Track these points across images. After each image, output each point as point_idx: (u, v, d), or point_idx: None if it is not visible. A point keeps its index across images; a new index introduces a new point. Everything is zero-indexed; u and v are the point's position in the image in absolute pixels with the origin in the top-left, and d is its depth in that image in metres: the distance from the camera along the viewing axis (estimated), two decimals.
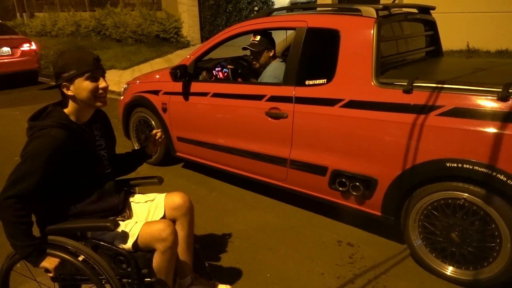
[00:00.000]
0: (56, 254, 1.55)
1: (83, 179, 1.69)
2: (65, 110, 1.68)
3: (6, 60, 8.23)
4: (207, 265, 2.06)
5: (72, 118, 1.68)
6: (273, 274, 2.36)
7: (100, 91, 1.68)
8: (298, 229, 2.85)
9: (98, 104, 1.71)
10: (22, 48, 8.43)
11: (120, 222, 1.67)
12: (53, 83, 1.71)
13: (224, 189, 3.52)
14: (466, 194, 2.10)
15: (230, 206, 3.23)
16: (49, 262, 1.57)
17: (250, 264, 2.44)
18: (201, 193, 3.46)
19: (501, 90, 1.99)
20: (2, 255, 1.71)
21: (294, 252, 2.57)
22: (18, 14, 19.58)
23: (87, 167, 1.70)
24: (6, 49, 8.23)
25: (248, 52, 3.51)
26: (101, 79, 1.69)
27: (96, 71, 1.66)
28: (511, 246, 2.01)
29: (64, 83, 1.63)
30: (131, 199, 1.93)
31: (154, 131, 2.03)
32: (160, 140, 2.04)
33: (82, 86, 1.63)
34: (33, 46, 8.64)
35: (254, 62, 3.43)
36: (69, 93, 1.64)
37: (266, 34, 3.32)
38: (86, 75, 1.63)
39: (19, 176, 1.52)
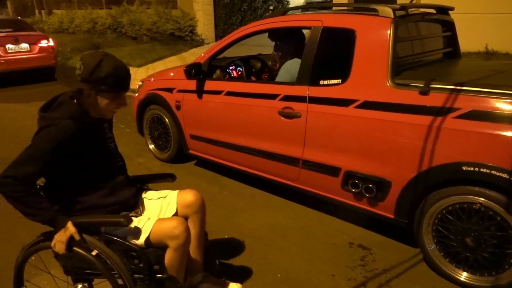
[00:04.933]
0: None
1: (95, 172, 1.70)
2: (78, 103, 1.69)
3: (24, 56, 8.37)
4: (217, 263, 2.06)
5: (84, 109, 1.69)
6: (283, 274, 2.35)
7: (117, 107, 1.71)
8: (309, 229, 2.83)
9: (108, 115, 1.75)
10: (40, 45, 8.57)
11: (133, 218, 1.68)
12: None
13: (235, 188, 3.53)
14: (482, 199, 2.06)
15: (241, 205, 3.23)
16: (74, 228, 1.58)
17: (260, 263, 2.44)
18: (213, 191, 3.47)
19: None
20: (17, 247, 1.74)
21: (304, 252, 2.56)
22: (36, 11, 19.92)
23: (98, 159, 1.71)
24: (24, 45, 8.38)
25: (262, 51, 3.50)
26: (123, 97, 1.71)
27: (123, 92, 1.69)
28: None
29: (91, 90, 1.64)
30: (143, 195, 1.94)
31: None
32: None
33: (103, 99, 1.66)
34: (51, 43, 8.78)
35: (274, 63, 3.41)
36: (91, 99, 1.66)
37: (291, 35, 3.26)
38: (114, 94, 1.66)
39: (23, 159, 1.53)
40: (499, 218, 2.03)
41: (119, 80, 1.63)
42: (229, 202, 3.28)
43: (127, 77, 1.67)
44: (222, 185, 3.60)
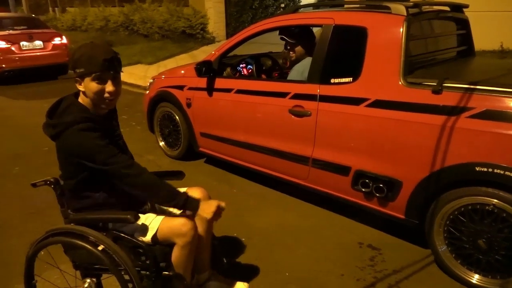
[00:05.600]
0: (77, 243, 1.57)
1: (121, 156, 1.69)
2: (82, 102, 1.68)
3: (38, 53, 8.50)
4: (225, 261, 2.05)
5: (90, 109, 1.68)
6: (291, 273, 2.33)
7: (106, 95, 1.64)
8: (318, 229, 2.81)
9: (103, 106, 1.68)
10: (53, 42, 8.68)
11: (140, 215, 1.69)
12: None
13: (245, 186, 3.52)
14: (495, 200, 2.01)
15: (251, 203, 3.22)
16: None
17: (268, 262, 2.43)
18: (222, 189, 3.47)
19: None
20: (28, 242, 1.76)
21: (313, 252, 2.54)
22: (50, 9, 20.20)
23: None
24: (38, 43, 8.50)
25: (273, 49, 3.48)
26: (110, 82, 1.63)
27: (104, 73, 1.60)
28: None
29: (76, 78, 1.63)
30: None
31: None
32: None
33: (89, 86, 1.61)
34: (64, 40, 8.89)
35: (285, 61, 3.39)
36: (80, 88, 1.65)
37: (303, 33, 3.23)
38: (93, 75, 1.59)
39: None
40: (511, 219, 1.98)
41: (90, 59, 1.57)
42: (238, 200, 3.27)
43: (99, 55, 1.57)
44: (231, 183, 3.60)
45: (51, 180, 1.72)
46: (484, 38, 5.94)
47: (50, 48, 8.64)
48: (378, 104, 2.42)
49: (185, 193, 1.68)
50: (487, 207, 2.05)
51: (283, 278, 2.29)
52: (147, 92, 4.28)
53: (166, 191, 1.64)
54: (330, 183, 2.77)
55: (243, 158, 3.38)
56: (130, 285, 1.57)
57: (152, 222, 1.67)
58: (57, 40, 8.75)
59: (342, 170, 2.63)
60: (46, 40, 8.60)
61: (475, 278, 2.16)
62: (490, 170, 1.99)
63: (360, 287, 2.22)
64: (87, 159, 1.58)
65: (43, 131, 1.67)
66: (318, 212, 3.03)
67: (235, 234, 2.75)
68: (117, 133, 1.85)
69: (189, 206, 1.67)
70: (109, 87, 1.63)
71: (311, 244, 2.63)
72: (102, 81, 1.61)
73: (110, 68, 1.61)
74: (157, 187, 1.64)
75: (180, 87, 3.77)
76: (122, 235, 1.64)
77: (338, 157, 2.64)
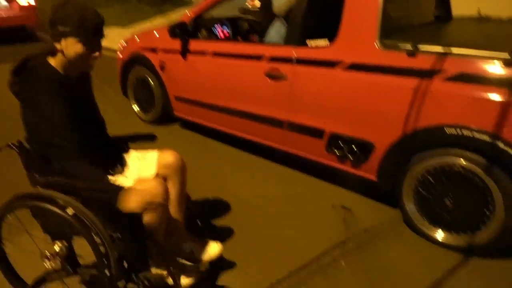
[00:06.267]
0: (45, 207, 1.54)
1: (75, 132, 1.65)
2: (52, 61, 1.60)
3: (3, 14, 8.01)
4: (200, 224, 2.07)
5: (60, 70, 1.61)
6: (266, 237, 2.36)
7: (92, 60, 1.60)
8: (293, 192, 2.85)
9: (83, 68, 1.64)
10: (20, 3, 8.18)
11: (110, 177, 1.66)
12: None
13: (222, 151, 3.51)
14: (463, 161, 2.07)
15: (227, 168, 3.22)
16: None
17: (242, 226, 2.45)
18: (198, 154, 3.45)
19: (508, 55, 1.91)
20: None
21: (288, 215, 2.58)
22: None
23: (78, 120, 1.66)
24: (3, 3, 8.00)
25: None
26: (97, 47, 1.59)
27: (96, 38, 1.56)
28: (504, 213, 2.00)
29: (55, 35, 1.54)
30: (123, 155, 1.91)
31: None
32: None
33: (73, 47, 1.54)
34: (32, 1, 8.38)
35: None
36: (58, 46, 1.56)
37: None
38: (83, 38, 1.52)
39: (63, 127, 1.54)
40: (477, 180, 2.05)
41: (82, 20, 1.50)
42: (215, 165, 3.27)
43: (93, 19, 1.53)
44: (209, 148, 3.58)
45: (15, 143, 1.66)
46: (462, 4, 5.93)
47: (16, 9, 8.15)
48: (354, 67, 2.41)
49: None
50: (455, 168, 2.11)
51: (257, 240, 2.33)
52: (120, 55, 4.13)
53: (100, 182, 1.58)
54: (305, 146, 2.78)
55: (219, 122, 3.35)
56: (102, 248, 1.57)
57: (123, 185, 1.64)
58: (23, 1, 8.24)
59: (316, 133, 2.64)
60: (12, 0, 8.09)
61: (441, 235, 2.26)
62: (459, 132, 2.03)
63: (332, 245, 2.27)
64: (46, 123, 1.54)
65: (9, 89, 1.59)
66: (294, 176, 3.07)
67: (211, 198, 2.75)
68: (89, 96, 1.78)
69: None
70: (96, 52, 1.58)
71: (286, 207, 2.67)
72: (90, 45, 1.55)
73: (101, 33, 1.57)
74: (92, 176, 1.58)
75: (154, 50, 3.65)
76: (92, 198, 1.61)
77: (313, 120, 2.64)
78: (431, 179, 2.21)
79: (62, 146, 1.55)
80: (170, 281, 1.72)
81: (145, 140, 2.02)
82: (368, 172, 2.50)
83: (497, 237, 2.05)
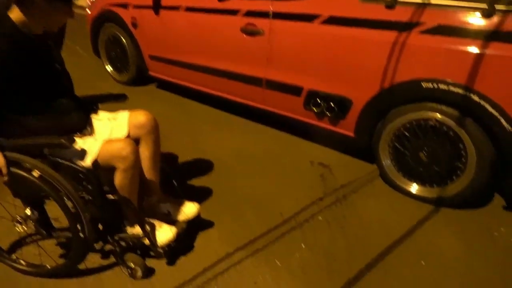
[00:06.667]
0: (12, 171, 1.49)
1: (37, 94, 1.57)
2: (15, 17, 1.47)
3: None
4: (176, 184, 2.04)
5: (20, 25, 1.48)
6: (244, 195, 2.36)
7: (64, 20, 1.51)
8: (272, 151, 2.84)
9: (52, 28, 1.51)
10: None
11: (78, 139, 1.60)
12: None
13: (199, 112, 3.45)
14: (438, 115, 2.08)
15: (205, 128, 3.18)
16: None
17: (222, 185, 2.44)
18: (175, 114, 3.38)
19: (486, 6, 1.87)
20: None
21: (267, 173, 2.58)
22: None
23: (39, 81, 1.57)
24: None
25: None
26: (71, 5, 1.47)
27: None
28: (475, 165, 2.04)
29: None
30: (93, 116, 1.84)
31: None
32: None
33: (45, 6, 1.41)
34: None
35: None
36: (26, 3, 1.43)
37: None
38: None
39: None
40: (452, 133, 2.07)
41: None
42: (192, 125, 3.21)
43: None
44: (186, 109, 3.50)
45: None
46: None
47: None
48: (332, 20, 2.33)
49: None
50: (430, 122, 2.12)
51: (236, 199, 2.33)
52: (88, 11, 3.91)
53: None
54: (283, 104, 2.74)
55: (195, 81, 3.26)
56: (73, 210, 1.54)
57: (92, 147, 1.59)
58: None
59: (294, 90, 2.60)
60: None
61: (415, 188, 2.30)
62: (435, 85, 2.02)
63: (310, 202, 2.30)
64: None
65: None
66: (273, 135, 3.05)
67: (188, 158, 2.73)
68: (53, 54, 1.67)
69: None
70: (70, 11, 1.47)
71: (264, 165, 2.67)
72: (64, 3, 1.44)
73: None
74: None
75: (124, 5, 3.47)
76: (60, 161, 1.56)
77: (291, 77, 2.59)
78: (407, 134, 2.23)
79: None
80: (146, 241, 1.72)
81: (116, 100, 1.94)
82: (346, 128, 2.50)
83: (468, 190, 2.11)
